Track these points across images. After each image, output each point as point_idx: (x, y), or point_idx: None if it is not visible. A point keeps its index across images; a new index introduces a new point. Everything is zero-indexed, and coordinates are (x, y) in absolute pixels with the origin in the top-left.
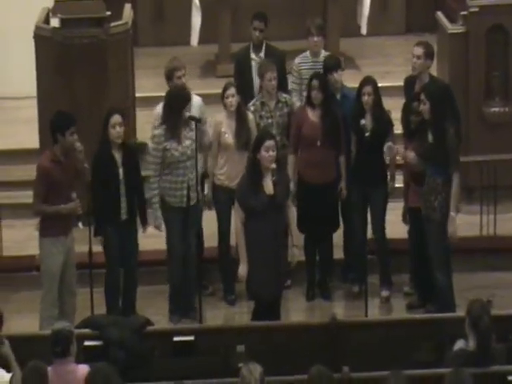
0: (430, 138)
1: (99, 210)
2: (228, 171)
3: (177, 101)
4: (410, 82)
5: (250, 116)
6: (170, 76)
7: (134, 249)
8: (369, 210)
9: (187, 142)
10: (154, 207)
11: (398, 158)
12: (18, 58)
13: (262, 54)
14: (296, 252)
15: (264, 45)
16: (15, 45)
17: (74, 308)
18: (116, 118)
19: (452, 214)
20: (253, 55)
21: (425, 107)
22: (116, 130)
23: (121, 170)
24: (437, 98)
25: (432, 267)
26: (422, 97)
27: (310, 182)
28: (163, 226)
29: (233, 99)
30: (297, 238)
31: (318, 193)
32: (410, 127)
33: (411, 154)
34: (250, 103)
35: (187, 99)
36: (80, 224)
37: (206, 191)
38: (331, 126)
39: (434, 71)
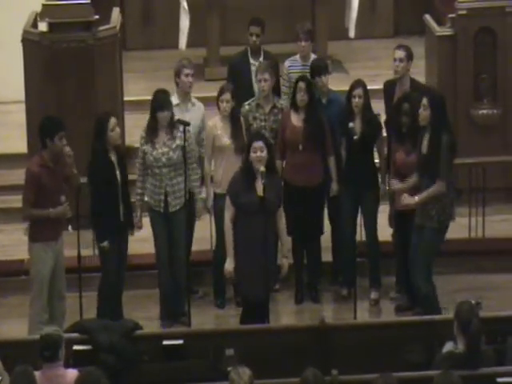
0: (425, 148)
1: (100, 216)
2: (223, 174)
3: (151, 104)
4: (389, 86)
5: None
6: (177, 73)
7: (126, 251)
8: (360, 212)
9: (164, 149)
10: (135, 206)
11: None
12: (8, 62)
13: (261, 59)
14: (285, 263)
15: (262, 50)
16: (4, 49)
17: (64, 312)
18: (113, 121)
19: (416, 198)
20: (252, 60)
21: (425, 113)
22: (115, 132)
23: (118, 173)
24: (440, 106)
25: (413, 274)
26: (425, 101)
27: (295, 186)
28: (142, 225)
29: (227, 105)
30: (287, 249)
31: (303, 196)
32: (401, 129)
33: (411, 180)
34: (246, 102)
35: (160, 103)
36: (70, 227)
37: (202, 195)
38: (314, 129)
39: (422, 74)
